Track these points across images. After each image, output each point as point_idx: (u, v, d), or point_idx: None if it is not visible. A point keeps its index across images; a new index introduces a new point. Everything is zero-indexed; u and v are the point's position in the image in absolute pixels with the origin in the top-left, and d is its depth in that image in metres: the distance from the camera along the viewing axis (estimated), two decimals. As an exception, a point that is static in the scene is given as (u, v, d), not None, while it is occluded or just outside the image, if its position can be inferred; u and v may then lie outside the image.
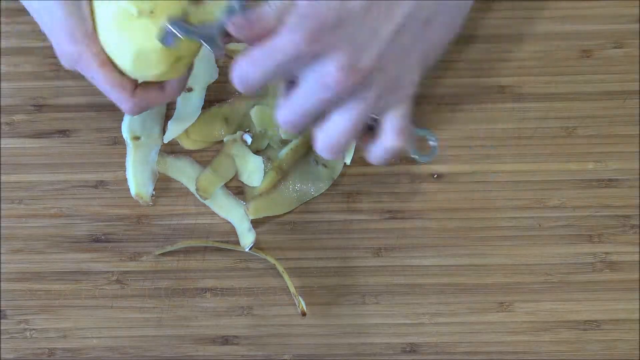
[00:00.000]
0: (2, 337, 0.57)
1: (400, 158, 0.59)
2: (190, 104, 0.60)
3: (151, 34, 0.48)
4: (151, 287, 0.58)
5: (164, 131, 0.60)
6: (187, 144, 0.61)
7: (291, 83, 0.47)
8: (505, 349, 0.57)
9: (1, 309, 0.58)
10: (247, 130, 0.61)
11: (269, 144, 0.60)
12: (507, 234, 0.59)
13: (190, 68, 0.53)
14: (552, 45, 0.62)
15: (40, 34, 0.62)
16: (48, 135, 0.61)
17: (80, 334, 0.58)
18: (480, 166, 0.60)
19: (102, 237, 0.59)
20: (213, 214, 0.59)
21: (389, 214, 0.59)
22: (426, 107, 0.61)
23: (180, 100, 0.60)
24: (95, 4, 0.49)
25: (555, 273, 0.58)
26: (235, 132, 0.60)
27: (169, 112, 0.60)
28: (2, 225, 0.59)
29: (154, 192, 0.60)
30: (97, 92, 0.52)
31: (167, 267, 0.59)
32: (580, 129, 0.60)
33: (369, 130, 0.48)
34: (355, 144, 0.59)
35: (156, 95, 0.52)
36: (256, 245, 0.58)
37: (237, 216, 0.59)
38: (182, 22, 0.48)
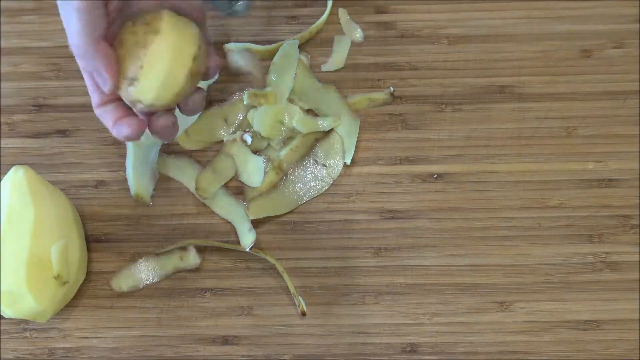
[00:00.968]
0: (2, 337, 0.57)
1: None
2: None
3: None
4: (151, 287, 0.58)
5: (164, 131, 0.60)
6: (187, 144, 0.61)
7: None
8: (505, 349, 0.57)
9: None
10: (247, 130, 0.61)
11: (269, 144, 0.60)
12: (507, 234, 0.59)
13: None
14: (552, 45, 0.62)
15: (40, 34, 0.63)
16: (48, 135, 0.61)
17: (80, 334, 0.58)
18: (480, 166, 0.60)
19: (102, 237, 0.59)
20: (213, 214, 0.59)
21: (389, 214, 0.59)
22: (426, 107, 0.61)
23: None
24: None
25: (555, 273, 0.58)
26: (235, 132, 0.60)
27: (169, 112, 0.61)
28: (2, 225, 0.59)
29: (154, 192, 0.60)
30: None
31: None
32: (580, 129, 0.60)
33: None
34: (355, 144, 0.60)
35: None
36: (256, 245, 0.58)
37: (237, 216, 0.59)
38: None
